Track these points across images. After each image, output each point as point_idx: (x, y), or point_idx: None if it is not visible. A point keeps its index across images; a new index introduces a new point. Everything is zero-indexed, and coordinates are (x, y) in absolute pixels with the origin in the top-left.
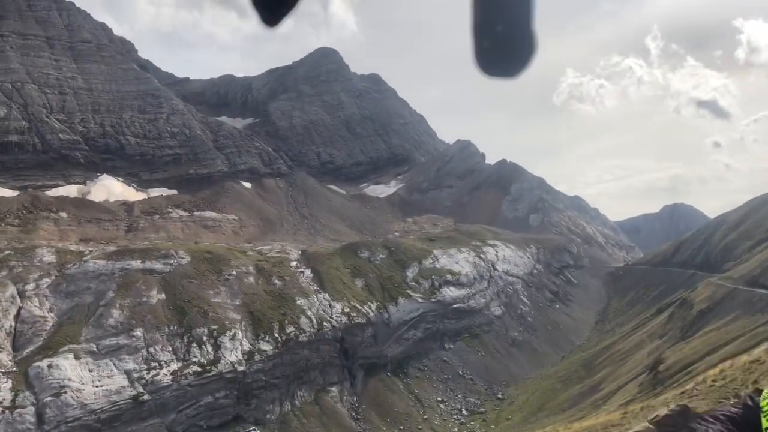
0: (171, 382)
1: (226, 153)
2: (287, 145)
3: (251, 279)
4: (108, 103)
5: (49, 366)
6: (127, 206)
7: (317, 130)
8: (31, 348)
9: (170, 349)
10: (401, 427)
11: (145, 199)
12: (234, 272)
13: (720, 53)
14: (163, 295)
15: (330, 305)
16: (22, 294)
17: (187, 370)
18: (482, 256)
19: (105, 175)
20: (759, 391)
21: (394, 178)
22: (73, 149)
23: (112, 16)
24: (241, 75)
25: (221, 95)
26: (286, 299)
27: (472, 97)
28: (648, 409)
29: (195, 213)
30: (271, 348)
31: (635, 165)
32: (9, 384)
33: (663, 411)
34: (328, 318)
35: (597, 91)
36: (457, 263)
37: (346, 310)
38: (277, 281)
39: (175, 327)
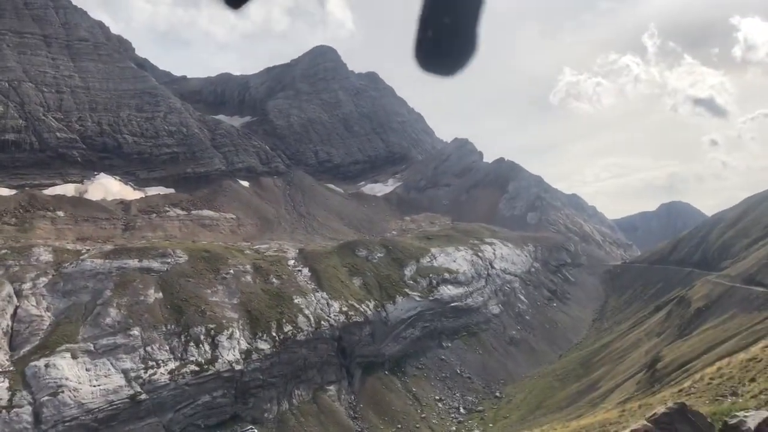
0: (168, 381)
1: (224, 152)
2: (285, 144)
3: (249, 278)
4: (105, 101)
5: (46, 365)
6: (125, 205)
7: (315, 128)
8: (28, 347)
9: (167, 348)
10: (399, 426)
11: (142, 197)
12: (231, 271)
13: (717, 51)
14: (161, 294)
15: (328, 304)
16: (18, 293)
17: (184, 369)
18: (480, 254)
19: (102, 174)
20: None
21: (392, 177)
22: (70, 148)
23: (108, 15)
24: (238, 73)
25: (219, 94)
26: (284, 298)
27: (470, 95)
28: (646, 407)
29: (192, 212)
30: (269, 347)
31: (632, 163)
32: (6, 383)
33: (661, 409)
34: (326, 317)
35: (594, 89)
36: (454, 261)
37: (344, 308)
38: (274, 280)
39: (173, 326)
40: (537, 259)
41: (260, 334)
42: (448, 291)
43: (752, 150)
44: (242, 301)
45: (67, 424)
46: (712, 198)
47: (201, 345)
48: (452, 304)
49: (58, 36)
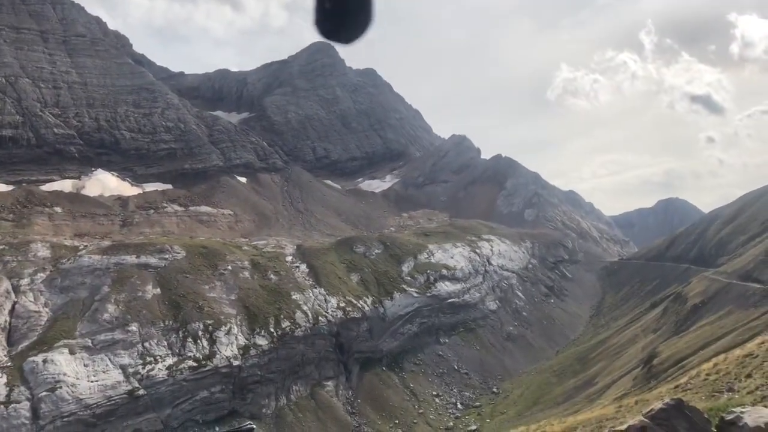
0: (166, 377)
1: (221, 148)
2: (282, 140)
3: (247, 274)
4: (103, 97)
5: (44, 361)
6: (122, 201)
7: (312, 124)
8: (25, 343)
9: (165, 343)
10: (396, 422)
11: (140, 193)
12: (229, 267)
13: (714, 48)
14: (159, 290)
15: (325, 300)
16: (16, 289)
17: (182, 365)
18: (477, 250)
19: (100, 170)
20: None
21: (390, 173)
22: (67, 144)
23: (105, 10)
24: (236, 69)
25: (216, 90)
26: (282, 294)
27: (467, 91)
28: (642, 403)
29: (190, 208)
30: (267, 342)
31: (629, 160)
32: (4, 379)
33: (657, 405)
34: (324, 313)
35: (591, 86)
36: (452, 258)
37: (342, 304)
38: (272, 276)
39: (171, 322)
40: (534, 255)
41: (258, 330)
42: (445, 287)
43: (749, 147)
44: (240, 297)
45: (65, 419)
46: (709, 195)
47: (199, 341)
48: (449, 300)
49: (55, 32)
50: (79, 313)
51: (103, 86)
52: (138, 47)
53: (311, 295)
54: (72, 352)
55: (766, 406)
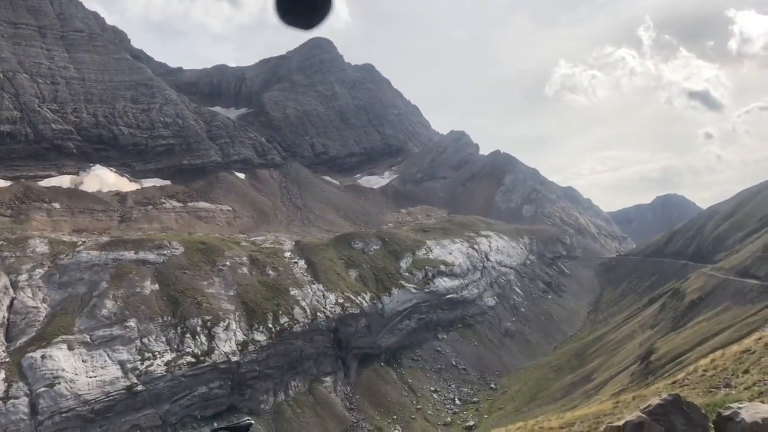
0: (165, 373)
1: (220, 143)
2: (281, 136)
3: (245, 270)
4: (101, 93)
5: (43, 357)
6: (120, 197)
7: (311, 120)
8: (24, 339)
9: (164, 339)
10: (395, 417)
11: (138, 189)
12: (228, 263)
13: (712, 44)
14: (157, 286)
15: (324, 296)
16: (14, 284)
17: (181, 361)
18: (475, 246)
19: (98, 166)
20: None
21: (388, 169)
22: (65, 139)
23: (103, 6)
24: (234, 65)
25: (214, 85)
26: (280, 290)
27: (465, 87)
28: (640, 398)
29: (188, 203)
30: (265, 338)
31: (628, 156)
32: (2, 375)
33: (655, 400)
34: (322, 308)
35: (589, 81)
36: (450, 254)
37: (340, 300)
38: (270, 272)
39: (169, 318)
40: (532, 251)
41: (257, 326)
42: (443, 283)
43: (746, 143)
44: (239, 292)
45: (63, 415)
46: (707, 191)
47: (197, 336)
48: (448, 296)
49: (53, 27)
50: (78, 309)
51: (101, 82)
52: (136, 43)
53: (310, 291)
54: (70, 348)
55: (763, 402)
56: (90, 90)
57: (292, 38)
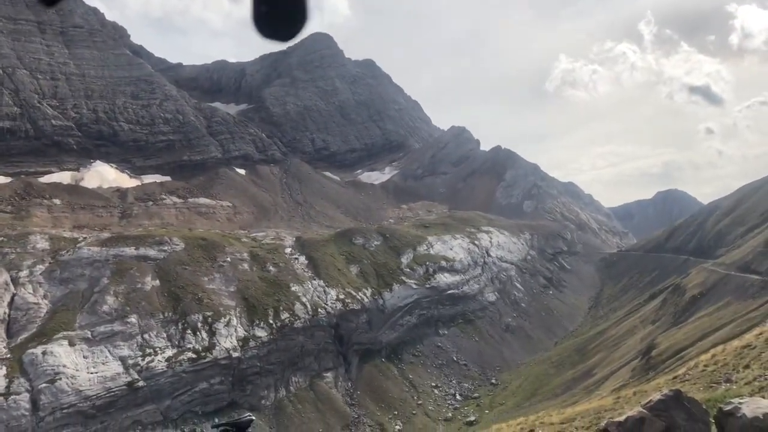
0: (166, 369)
1: (220, 139)
2: (281, 132)
3: (246, 266)
4: (101, 88)
5: (44, 353)
6: (121, 193)
7: (311, 116)
8: (25, 335)
9: (165, 335)
10: (396, 413)
11: (138, 185)
12: (228, 259)
13: (713, 39)
14: (158, 282)
15: (325, 292)
16: (15, 281)
17: (181, 357)
18: (476, 242)
19: (98, 162)
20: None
21: (389, 165)
22: (65, 135)
23: (102, 1)
24: (234, 60)
25: (215, 81)
26: (281, 286)
27: (465, 82)
28: (640, 394)
29: (189, 199)
30: (266, 334)
31: (628, 151)
32: (3, 371)
33: (656, 396)
34: (323, 304)
35: (590, 76)
36: (451, 249)
37: (341, 296)
38: (271, 268)
39: (170, 313)
40: (533, 247)
41: (257, 322)
42: (444, 279)
43: (748, 138)
44: (239, 288)
45: (64, 411)
46: (708, 186)
47: (198, 332)
48: (449, 292)
49: (53, 23)
50: (79, 305)
51: (101, 77)
52: (136, 38)
53: (310, 286)
54: (71, 344)
55: (764, 397)
56: (90, 86)
57: None
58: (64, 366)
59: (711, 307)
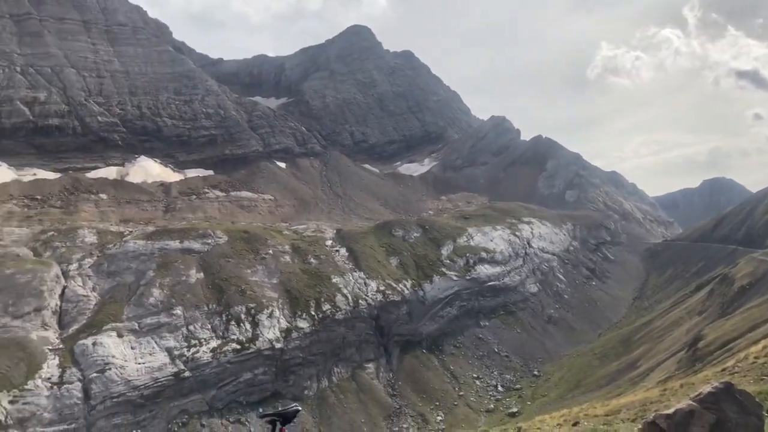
0: (211, 359)
1: (261, 133)
2: (320, 125)
3: (287, 258)
4: (144, 85)
5: (94, 344)
6: (165, 187)
7: (350, 108)
8: (76, 326)
9: (209, 326)
10: (437, 403)
11: (182, 179)
12: (270, 251)
13: (761, 21)
14: (202, 275)
15: (365, 283)
16: (66, 274)
17: (226, 348)
18: (517, 233)
19: (143, 157)
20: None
21: (428, 156)
22: (111, 131)
23: None
24: (273, 55)
25: (255, 75)
26: (322, 278)
27: (505, 72)
28: (687, 386)
29: (231, 193)
30: (308, 325)
31: (673, 139)
32: (56, 360)
33: (706, 388)
34: (364, 296)
35: (633, 63)
36: (491, 241)
37: (381, 288)
38: (312, 260)
39: (214, 305)
40: (576, 237)
41: (299, 313)
42: (485, 270)
43: None
44: (281, 280)
45: (114, 400)
46: (757, 173)
47: (242, 324)
48: (489, 284)
49: (98, 21)
50: (126, 297)
51: (145, 74)
52: (177, 35)
53: (351, 278)
54: (119, 335)
55: None
56: (134, 83)
57: (330, 26)
58: (113, 356)
59: (761, 297)
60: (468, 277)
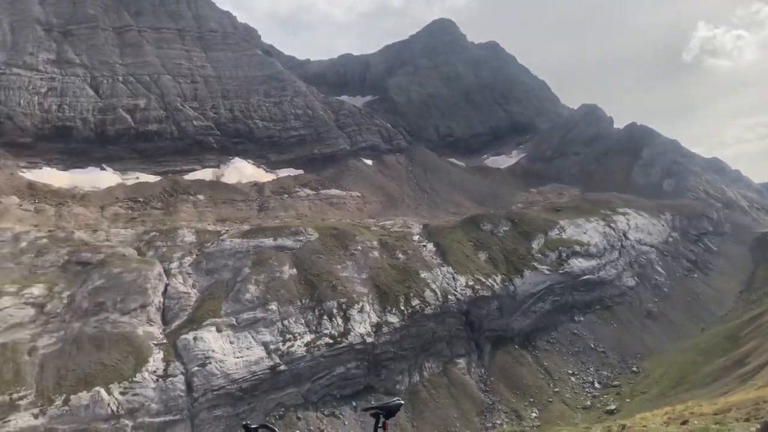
0: (305, 353)
1: (348, 131)
2: (406, 121)
3: (376, 253)
4: (236, 89)
5: (195, 338)
6: (258, 187)
7: (435, 103)
8: (177, 322)
9: (303, 321)
10: (531, 400)
11: (274, 179)
12: (359, 247)
13: None
14: (295, 271)
15: (453, 278)
16: (168, 272)
17: (319, 342)
18: (612, 225)
19: (236, 158)
20: None
21: (516, 148)
22: (206, 135)
23: (232, 4)
24: (357, 53)
25: (341, 75)
26: (410, 273)
27: (594, 59)
28: None
29: (321, 191)
30: (398, 320)
31: None
32: (161, 355)
33: None
34: (453, 291)
35: (734, 43)
36: (585, 233)
37: (470, 282)
38: (400, 255)
39: (307, 300)
40: (675, 228)
41: (389, 308)
42: (578, 264)
43: None
44: (371, 276)
45: (215, 392)
46: None
47: (334, 318)
48: (583, 278)
49: (191, 29)
50: (224, 294)
51: (236, 78)
52: (266, 38)
53: (439, 273)
54: (219, 330)
55: None
56: (226, 87)
57: (414, 22)
58: (213, 351)
59: None
60: (561, 271)
